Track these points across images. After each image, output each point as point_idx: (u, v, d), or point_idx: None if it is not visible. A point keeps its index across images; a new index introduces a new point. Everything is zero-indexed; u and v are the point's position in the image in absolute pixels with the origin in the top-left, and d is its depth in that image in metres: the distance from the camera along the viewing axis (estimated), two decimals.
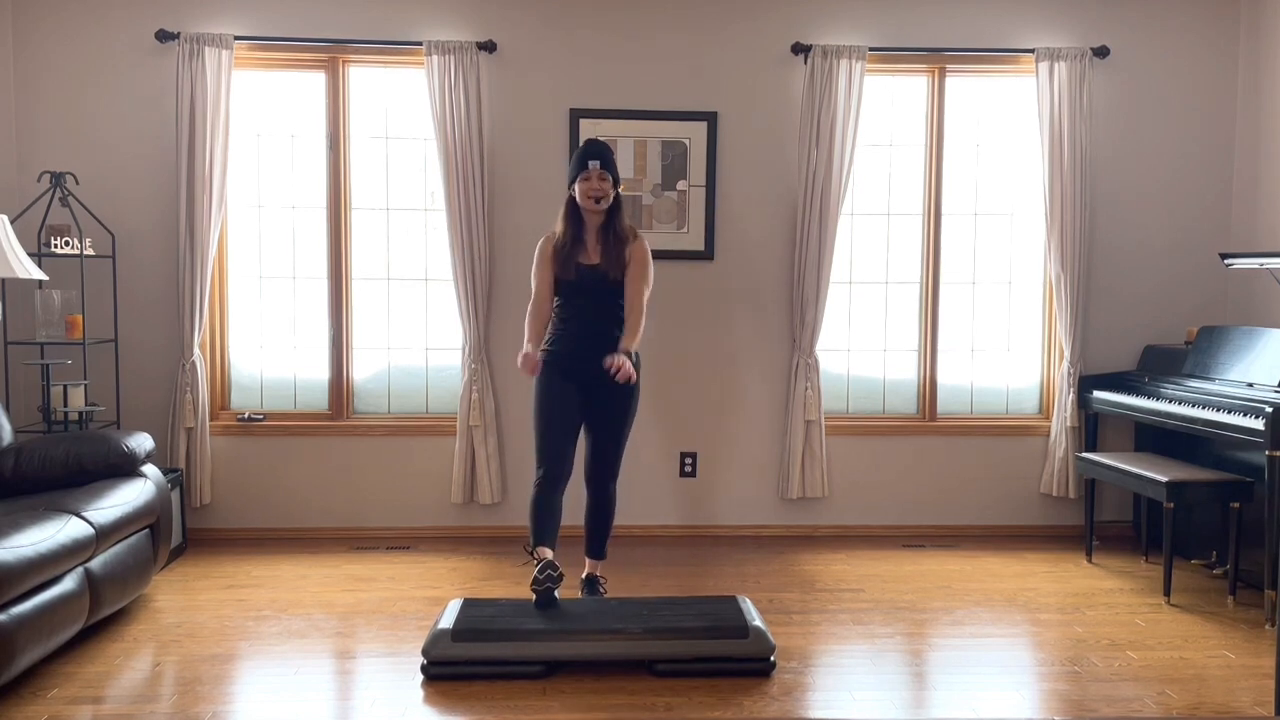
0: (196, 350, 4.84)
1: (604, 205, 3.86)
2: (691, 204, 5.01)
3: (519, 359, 3.89)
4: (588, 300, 3.88)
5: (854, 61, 4.88)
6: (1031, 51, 4.98)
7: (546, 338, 3.96)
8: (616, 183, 3.90)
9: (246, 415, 5.04)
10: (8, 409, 4.46)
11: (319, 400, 5.11)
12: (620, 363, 3.72)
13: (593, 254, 3.89)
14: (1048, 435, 5.17)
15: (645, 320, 3.96)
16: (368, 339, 5.11)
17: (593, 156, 3.85)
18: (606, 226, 3.90)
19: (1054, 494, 5.12)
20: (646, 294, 3.94)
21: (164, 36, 4.78)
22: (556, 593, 3.60)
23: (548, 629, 3.40)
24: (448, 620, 3.43)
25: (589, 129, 4.92)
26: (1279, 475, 3.85)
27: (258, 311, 5.08)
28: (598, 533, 4.07)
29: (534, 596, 3.59)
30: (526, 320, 3.97)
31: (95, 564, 3.53)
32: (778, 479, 5.14)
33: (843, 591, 4.27)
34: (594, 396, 3.89)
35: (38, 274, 4.27)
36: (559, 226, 3.93)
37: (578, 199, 3.88)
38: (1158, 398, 4.57)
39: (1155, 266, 5.17)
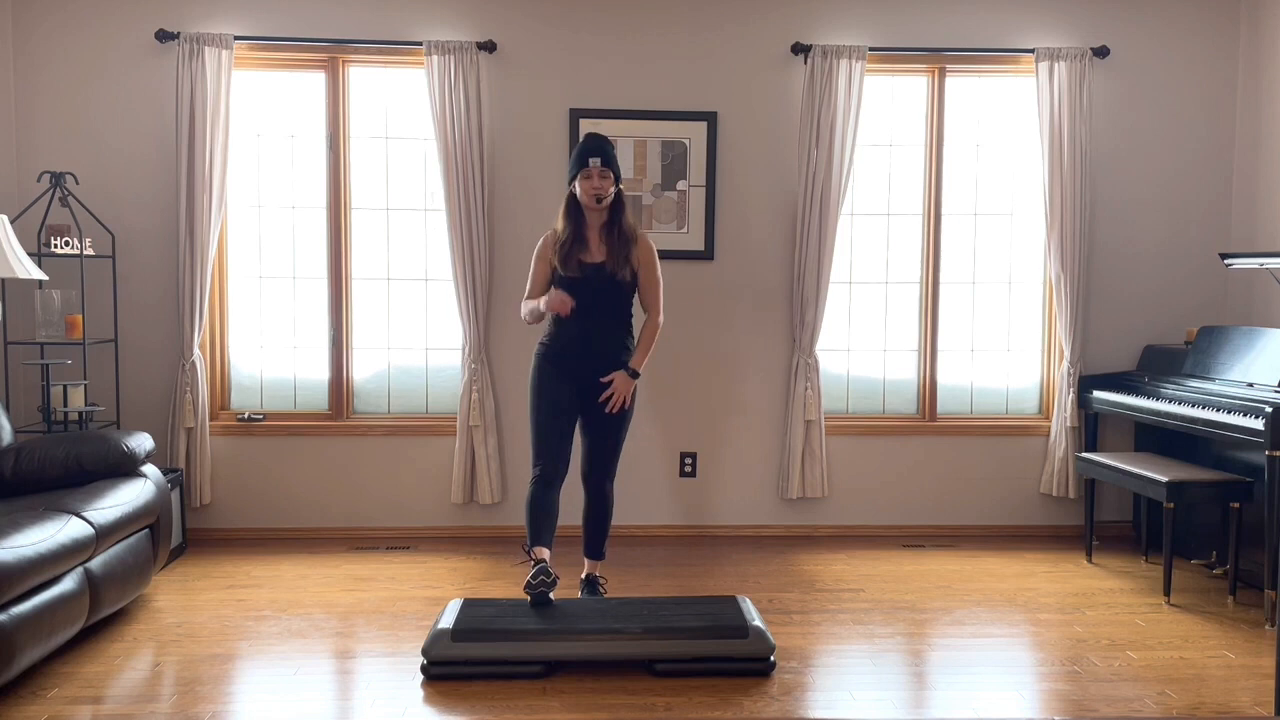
0: (196, 350, 4.84)
1: (605, 203, 3.83)
2: (691, 204, 5.01)
3: (545, 303, 3.81)
4: (589, 299, 3.85)
5: (854, 61, 4.88)
6: (1031, 51, 4.98)
7: (543, 334, 3.96)
8: (618, 178, 3.87)
9: (246, 415, 5.04)
10: (8, 409, 4.46)
11: (319, 400, 5.11)
12: (622, 394, 3.85)
13: (596, 252, 3.86)
14: (1048, 435, 5.17)
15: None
16: (368, 339, 5.11)
17: (593, 153, 3.80)
18: (610, 224, 3.87)
19: (1054, 494, 5.12)
20: (661, 296, 3.98)
21: (164, 36, 4.78)
22: (552, 595, 3.61)
23: (548, 629, 3.40)
24: (448, 620, 3.43)
25: (589, 129, 4.91)
26: (1279, 475, 3.85)
27: (258, 311, 5.08)
28: (596, 533, 4.06)
29: (529, 599, 3.60)
30: (521, 306, 3.97)
31: (95, 564, 3.53)
32: (778, 479, 5.14)
33: (843, 591, 4.27)
34: (590, 398, 3.88)
35: (38, 274, 4.27)
36: (559, 224, 3.90)
37: (579, 196, 3.85)
38: (1158, 398, 4.57)
39: (1155, 266, 5.17)
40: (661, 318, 4.00)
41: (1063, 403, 5.07)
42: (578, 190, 3.84)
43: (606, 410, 3.86)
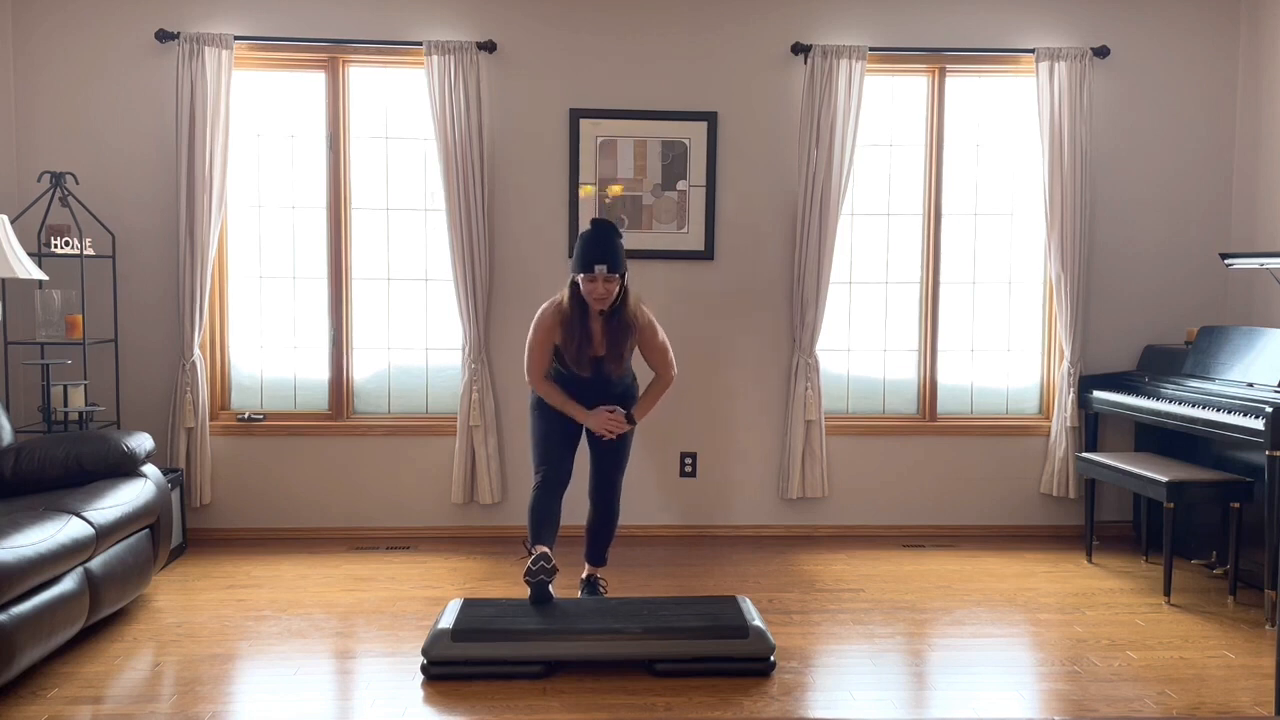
0: (196, 350, 4.84)
1: (609, 306, 3.75)
2: (691, 204, 5.01)
3: (584, 419, 3.84)
4: (589, 380, 3.86)
5: (854, 61, 4.88)
6: (1031, 51, 4.97)
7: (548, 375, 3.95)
8: (624, 275, 3.74)
9: (246, 415, 5.03)
10: (8, 409, 4.46)
11: (319, 400, 5.11)
12: (617, 430, 3.84)
13: (599, 345, 3.80)
14: (1048, 435, 5.17)
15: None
16: (368, 339, 5.11)
17: (599, 259, 3.64)
18: (612, 314, 3.78)
19: (1054, 494, 5.12)
20: (670, 356, 3.95)
21: (164, 36, 4.78)
22: (551, 588, 3.60)
23: (548, 629, 3.40)
24: (448, 620, 3.43)
25: (589, 129, 4.92)
26: (1279, 475, 3.85)
27: (258, 311, 5.08)
28: (599, 541, 4.07)
29: (529, 590, 3.59)
30: (531, 377, 3.88)
31: (95, 564, 3.53)
32: (778, 479, 5.13)
33: (843, 591, 4.27)
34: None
35: (38, 274, 4.27)
36: (565, 305, 3.77)
37: (581, 290, 3.74)
38: (1158, 398, 4.57)
39: (1155, 266, 5.17)
40: (674, 371, 3.99)
41: (1063, 403, 5.07)
42: (580, 285, 3.72)
43: (595, 434, 3.89)
